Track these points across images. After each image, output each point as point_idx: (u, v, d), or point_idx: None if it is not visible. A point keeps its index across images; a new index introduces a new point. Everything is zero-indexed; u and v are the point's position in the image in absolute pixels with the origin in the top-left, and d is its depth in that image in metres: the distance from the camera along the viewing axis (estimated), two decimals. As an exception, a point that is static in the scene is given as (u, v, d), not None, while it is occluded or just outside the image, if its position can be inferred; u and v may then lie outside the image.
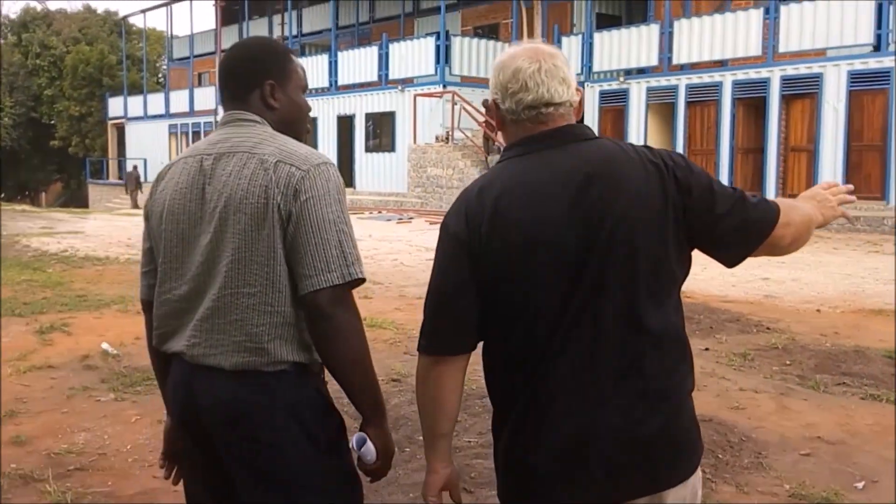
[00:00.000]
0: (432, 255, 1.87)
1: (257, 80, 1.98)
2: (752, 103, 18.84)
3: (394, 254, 13.05)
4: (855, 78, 16.85)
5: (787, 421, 4.84)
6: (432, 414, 1.83)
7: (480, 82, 24.22)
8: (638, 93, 20.71)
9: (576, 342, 1.69)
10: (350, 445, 1.94)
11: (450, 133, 22.69)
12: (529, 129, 1.78)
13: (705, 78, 19.67)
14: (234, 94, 2.00)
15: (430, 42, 24.25)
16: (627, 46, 21.13)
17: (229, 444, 1.88)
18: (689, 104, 19.78)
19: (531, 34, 21.76)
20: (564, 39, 22.59)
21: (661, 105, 20.38)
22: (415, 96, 23.70)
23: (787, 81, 17.94)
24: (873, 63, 16.57)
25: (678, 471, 1.76)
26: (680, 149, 19.53)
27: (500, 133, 1.94)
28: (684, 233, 1.74)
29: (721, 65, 19.62)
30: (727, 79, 19.09)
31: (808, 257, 12.06)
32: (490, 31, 26.89)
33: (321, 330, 1.83)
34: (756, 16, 18.66)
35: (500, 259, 1.70)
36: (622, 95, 21.02)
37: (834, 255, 12.92)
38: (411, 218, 19.62)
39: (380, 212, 21.73)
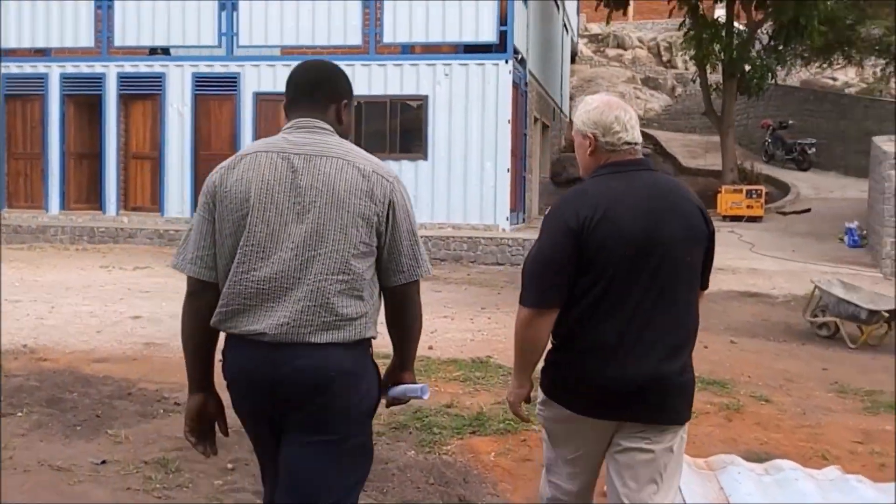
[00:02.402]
0: None
1: (337, 97, 2.42)
2: (85, 101, 16.46)
3: None
4: (201, 81, 15.78)
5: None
6: (532, 351, 2.63)
7: None
8: (-62, 79, 16.58)
9: (627, 307, 2.58)
10: (412, 391, 2.49)
11: None
12: (621, 156, 2.68)
13: (27, 68, 16.62)
14: (315, 105, 2.39)
15: None
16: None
17: (307, 407, 2.25)
18: (8, 97, 16.48)
19: None
20: None
21: (-28, 96, 16.63)
22: None
23: (125, 80, 16.05)
24: (219, 67, 15.71)
25: (673, 413, 2.65)
26: (-2, 150, 16.17)
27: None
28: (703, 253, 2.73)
29: (45, 54, 16.77)
30: (54, 71, 16.36)
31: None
32: None
33: (408, 311, 2.43)
34: (86, 7, 16.31)
35: (598, 245, 2.52)
36: (-85, 80, 16.60)
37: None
38: None
39: None
